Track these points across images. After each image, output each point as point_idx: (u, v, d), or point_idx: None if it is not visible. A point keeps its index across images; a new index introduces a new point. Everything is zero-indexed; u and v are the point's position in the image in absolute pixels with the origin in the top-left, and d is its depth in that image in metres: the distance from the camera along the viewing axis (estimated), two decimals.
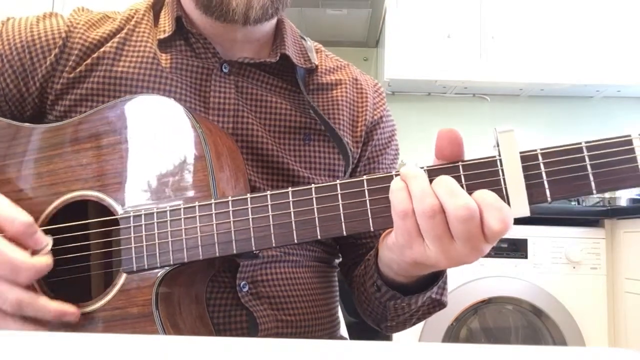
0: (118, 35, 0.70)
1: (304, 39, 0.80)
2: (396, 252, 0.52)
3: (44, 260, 0.53)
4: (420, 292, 0.61)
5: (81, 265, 0.59)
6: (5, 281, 0.52)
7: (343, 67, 0.80)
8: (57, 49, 0.68)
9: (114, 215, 0.58)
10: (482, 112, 2.59)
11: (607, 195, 2.09)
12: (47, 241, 0.55)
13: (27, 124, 0.64)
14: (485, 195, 0.46)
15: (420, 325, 1.79)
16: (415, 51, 2.28)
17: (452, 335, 1.83)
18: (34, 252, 0.54)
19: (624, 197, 2.04)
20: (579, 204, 2.24)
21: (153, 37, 0.71)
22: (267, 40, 0.76)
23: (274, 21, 0.75)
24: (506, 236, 1.93)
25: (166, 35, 0.69)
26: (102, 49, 0.69)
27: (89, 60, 0.68)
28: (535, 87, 2.41)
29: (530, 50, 2.26)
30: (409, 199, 0.47)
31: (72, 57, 0.68)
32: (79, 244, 0.57)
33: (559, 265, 1.81)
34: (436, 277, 0.61)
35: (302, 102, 0.74)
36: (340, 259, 0.81)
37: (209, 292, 0.64)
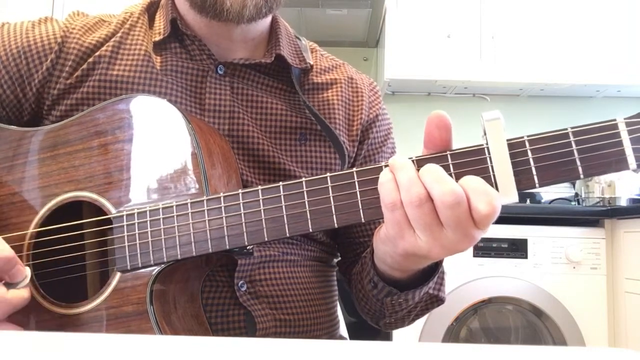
0: (113, 39, 0.70)
1: (299, 39, 0.80)
2: (389, 245, 0.53)
3: (20, 294, 0.53)
4: (416, 288, 0.61)
5: (76, 266, 0.59)
6: None
7: (338, 67, 0.80)
8: (53, 54, 0.68)
9: (108, 215, 0.58)
10: (482, 112, 2.59)
11: (607, 195, 2.09)
12: (25, 274, 0.54)
13: (19, 128, 0.64)
14: (471, 180, 0.46)
15: (420, 325, 1.79)
16: (415, 51, 2.28)
17: (452, 335, 1.82)
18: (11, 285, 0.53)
19: (624, 197, 2.04)
20: (579, 204, 2.24)
21: (148, 39, 0.71)
22: (262, 41, 0.76)
23: (268, 20, 0.75)
24: (506, 236, 1.93)
25: (161, 37, 0.69)
26: (97, 53, 0.69)
27: (85, 65, 0.68)
28: (535, 87, 2.41)
29: (530, 50, 2.26)
30: (397, 190, 0.47)
31: (68, 62, 0.68)
32: (73, 244, 0.57)
33: (559, 265, 1.81)
34: (432, 272, 0.61)
35: (297, 102, 0.74)
36: (339, 258, 0.81)
37: (206, 291, 0.64)
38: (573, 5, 2.26)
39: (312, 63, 0.77)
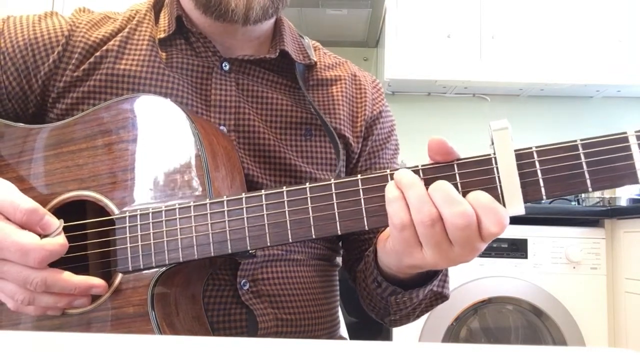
0: (120, 34, 0.71)
1: (302, 37, 0.81)
2: (394, 258, 0.53)
3: (56, 241, 0.53)
4: (420, 287, 0.61)
5: (78, 266, 0.59)
6: (23, 266, 0.52)
7: (341, 64, 0.81)
8: (60, 47, 0.68)
9: (111, 215, 0.58)
10: (482, 112, 2.59)
11: (607, 195, 2.09)
12: (57, 224, 0.54)
13: (24, 125, 0.64)
14: (480, 198, 0.46)
15: (420, 325, 1.79)
16: (415, 51, 2.28)
17: (452, 335, 1.82)
18: (45, 237, 0.53)
19: (624, 197, 2.04)
20: (579, 204, 2.24)
21: (154, 36, 0.71)
22: (267, 39, 0.76)
23: (273, 19, 0.75)
24: (506, 236, 1.93)
25: (167, 34, 0.70)
26: (104, 47, 0.69)
27: (92, 59, 0.68)
28: (535, 87, 2.41)
29: (530, 50, 2.26)
30: (406, 210, 0.47)
31: (74, 56, 0.68)
32: (75, 244, 0.57)
33: (559, 265, 1.81)
34: (436, 271, 0.62)
35: (302, 98, 0.75)
36: (342, 257, 0.81)
37: (209, 290, 0.64)
38: (573, 5, 2.26)
39: (315, 60, 0.77)
